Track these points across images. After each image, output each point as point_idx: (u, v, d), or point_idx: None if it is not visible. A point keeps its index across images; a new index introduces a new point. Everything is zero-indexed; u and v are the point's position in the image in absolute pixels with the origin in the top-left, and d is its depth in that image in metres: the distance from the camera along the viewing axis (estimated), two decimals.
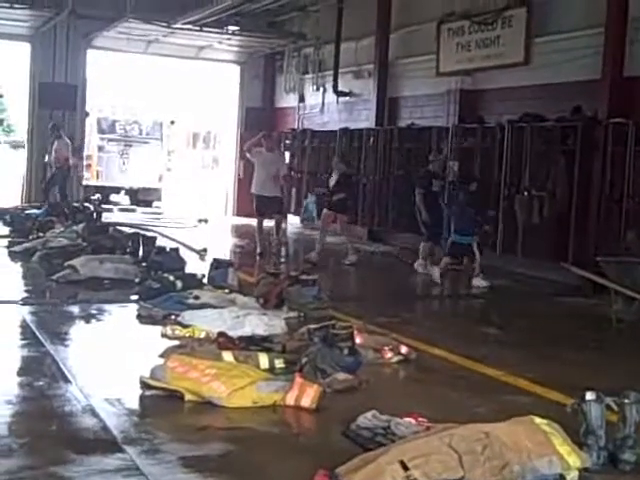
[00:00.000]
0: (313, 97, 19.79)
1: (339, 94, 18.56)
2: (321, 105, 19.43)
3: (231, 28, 18.66)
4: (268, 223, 13.18)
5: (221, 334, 6.55)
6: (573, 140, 11.49)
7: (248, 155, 12.99)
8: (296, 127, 20.17)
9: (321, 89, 19.33)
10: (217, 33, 18.94)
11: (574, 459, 4.04)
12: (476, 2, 14.41)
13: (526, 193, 12.09)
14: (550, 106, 12.37)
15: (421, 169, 12.80)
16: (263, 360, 5.87)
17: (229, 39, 19.66)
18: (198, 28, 18.19)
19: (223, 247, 14.58)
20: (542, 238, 11.63)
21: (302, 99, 20.26)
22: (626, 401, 4.37)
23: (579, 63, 12.18)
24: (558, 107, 12.16)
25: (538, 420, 4.27)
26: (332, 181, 13.23)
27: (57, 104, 19.36)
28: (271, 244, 12.44)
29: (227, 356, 5.87)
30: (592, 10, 12.15)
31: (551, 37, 12.95)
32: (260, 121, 21.35)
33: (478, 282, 10.81)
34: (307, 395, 5.20)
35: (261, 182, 12.67)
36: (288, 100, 20.97)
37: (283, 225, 12.93)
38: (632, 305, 8.24)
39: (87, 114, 20.89)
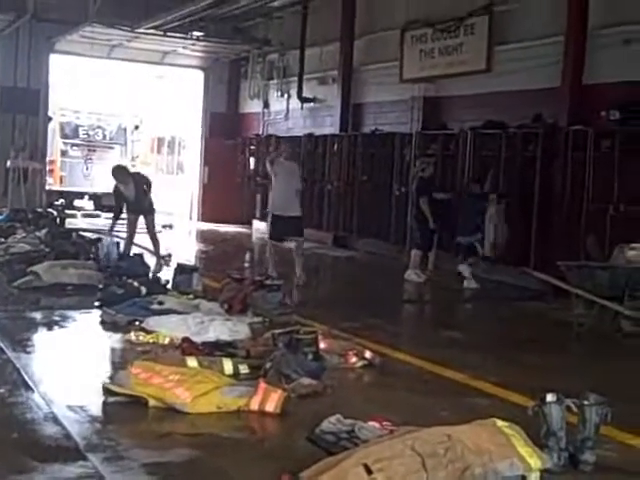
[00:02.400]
0: (278, 103, 19.81)
1: (303, 100, 18.60)
2: (286, 111, 19.45)
3: (195, 33, 18.64)
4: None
5: (185, 340, 6.53)
6: (534, 147, 11.64)
7: (269, 168, 11.20)
8: (261, 133, 20.17)
9: (285, 95, 19.36)
10: (181, 38, 18.90)
11: (535, 460, 4.08)
12: (439, 10, 14.54)
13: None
14: (512, 113, 12.52)
15: (415, 178, 12.20)
16: (227, 365, 5.85)
17: (193, 44, 19.63)
18: (162, 33, 18.14)
19: (188, 252, 14.52)
20: (506, 243, 11.75)
21: (267, 105, 20.28)
22: (586, 403, 4.43)
23: (540, 71, 12.33)
24: (520, 114, 12.31)
25: (500, 422, 4.30)
26: None
27: (20, 108, 19.14)
28: (297, 277, 10.54)
29: (191, 362, 5.84)
30: (553, 19, 12.32)
31: (513, 45, 13.11)
32: (225, 126, 21.34)
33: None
34: (271, 400, 5.20)
35: (283, 199, 10.71)
36: (253, 106, 20.96)
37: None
38: (592, 309, 8.34)
39: (50, 119, 20.68)
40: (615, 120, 10.81)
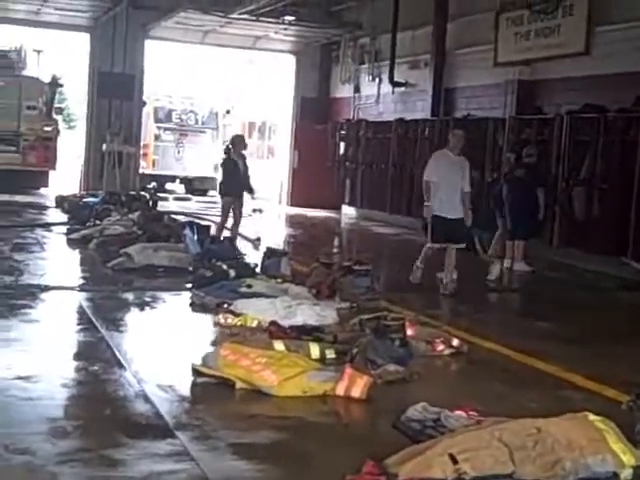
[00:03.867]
0: (369, 87, 19.75)
1: (395, 84, 18.48)
2: (377, 96, 19.38)
3: (287, 18, 18.72)
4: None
5: (273, 323, 6.60)
6: (635, 131, 11.26)
7: (433, 167, 9.44)
8: (351, 117, 20.15)
9: (377, 79, 19.29)
10: (273, 23, 19.02)
11: (628, 457, 3.96)
12: None
13: (585, 185, 11.94)
14: (611, 97, 12.17)
15: (520, 170, 11.68)
16: (314, 350, 5.89)
17: (285, 29, 19.75)
18: (254, 18, 18.29)
19: (277, 236, 14.66)
20: (602, 232, 11.44)
21: (357, 89, 20.23)
22: None
23: None
24: (620, 98, 11.96)
25: (592, 417, 4.20)
26: None
27: (116, 93, 19.67)
28: (443, 284, 9.26)
29: (278, 345, 5.90)
30: None
31: (612, 26, 12.71)
32: (315, 111, 21.41)
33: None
34: (357, 385, 5.21)
35: (447, 200, 9.25)
36: (343, 90, 20.96)
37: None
38: None
39: (144, 103, 21.17)
40: None
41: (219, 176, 12.34)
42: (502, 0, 14.92)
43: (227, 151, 11.87)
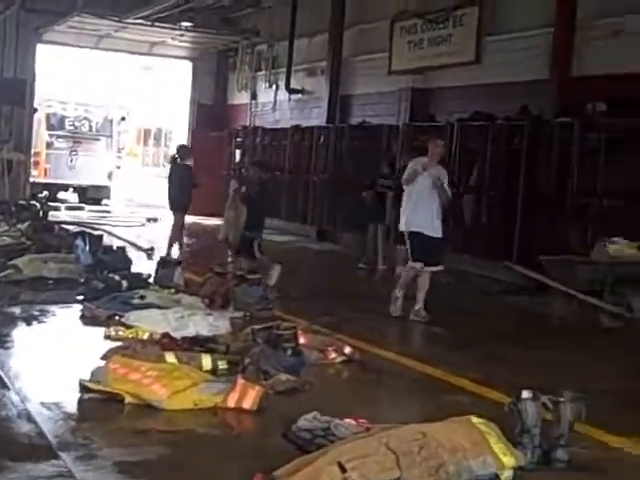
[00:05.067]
0: (265, 94, 19.81)
1: (291, 91, 18.60)
2: (273, 103, 19.45)
3: (184, 24, 18.59)
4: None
5: (164, 335, 6.52)
6: (520, 139, 11.64)
7: (410, 174, 8.38)
8: (248, 125, 20.13)
9: (274, 86, 19.37)
10: (170, 29, 18.86)
11: (508, 458, 4.10)
12: (429, 0, 14.63)
13: (474, 193, 12.27)
14: (500, 105, 12.58)
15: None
16: (206, 361, 5.84)
17: (182, 35, 19.60)
18: (150, 23, 18.07)
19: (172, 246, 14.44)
20: (490, 238, 11.78)
21: (254, 96, 20.27)
22: (561, 400, 4.44)
23: (529, 63, 12.42)
24: (507, 106, 12.37)
25: (475, 419, 4.32)
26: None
27: (5, 99, 19.07)
28: (414, 310, 8.39)
29: (170, 357, 5.83)
30: (542, 10, 12.39)
31: (502, 36, 13.20)
32: (212, 118, 21.31)
33: None
34: (249, 397, 5.19)
35: (424, 215, 8.28)
36: (240, 97, 20.95)
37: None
38: (572, 304, 8.40)
39: (35, 110, 20.59)
40: (602, 113, 10.87)
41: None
42: (397, 9, 15.23)
43: (173, 161, 11.71)
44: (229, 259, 10.76)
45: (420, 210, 8.24)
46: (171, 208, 12.18)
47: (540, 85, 12.06)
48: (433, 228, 8.26)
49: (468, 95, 13.53)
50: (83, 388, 5.26)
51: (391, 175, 12.08)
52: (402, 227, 8.43)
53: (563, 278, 8.34)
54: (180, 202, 11.84)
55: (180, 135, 22.29)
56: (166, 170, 11.86)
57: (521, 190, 11.32)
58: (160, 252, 11.55)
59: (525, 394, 4.43)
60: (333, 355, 6.38)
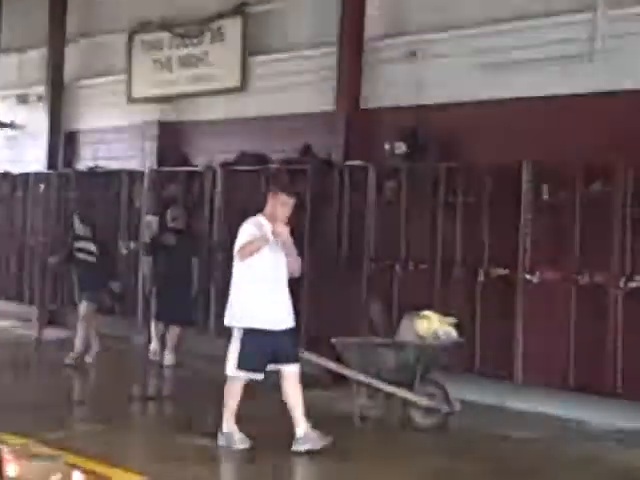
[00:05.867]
0: None
1: None
2: None
3: None
4: None
5: None
6: (303, 186, 11.67)
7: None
8: None
9: None
10: None
11: None
12: (178, 8, 14.77)
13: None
14: (274, 144, 12.88)
15: (169, 236, 12.33)
16: None
17: None
18: None
19: None
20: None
21: None
22: None
23: (310, 90, 12.82)
24: (284, 146, 12.67)
25: None
26: None
27: None
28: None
29: None
30: (324, 23, 12.82)
31: (273, 56, 13.51)
32: None
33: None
34: None
35: (270, 298, 7.84)
36: None
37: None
38: (378, 397, 8.60)
39: None
40: (401, 155, 11.27)
41: None
42: (137, 18, 15.35)
43: None
44: None
45: (267, 292, 7.78)
46: None
47: (326, 119, 12.40)
48: (284, 315, 7.89)
49: (233, 131, 13.70)
50: None
51: (92, 235, 12.12)
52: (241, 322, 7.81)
53: (363, 365, 8.47)
54: None
55: None
56: None
57: (306, 254, 11.12)
58: None
59: None
60: None
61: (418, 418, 8.63)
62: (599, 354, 9.20)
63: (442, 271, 10.44)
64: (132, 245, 13.94)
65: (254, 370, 7.75)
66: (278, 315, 7.82)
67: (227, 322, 7.89)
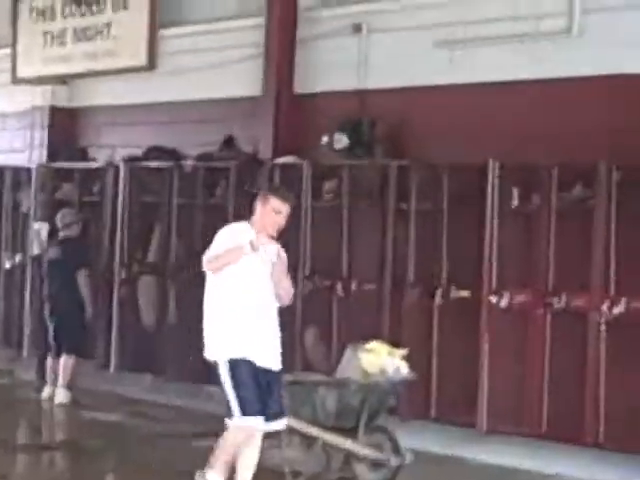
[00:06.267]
0: None
1: None
2: None
3: None
4: None
5: None
6: (224, 189, 11.70)
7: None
8: None
9: None
10: None
11: None
12: None
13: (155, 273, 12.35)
14: (189, 137, 12.77)
15: (54, 249, 12.08)
16: None
17: None
18: None
19: None
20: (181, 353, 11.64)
21: None
22: None
23: (231, 71, 12.63)
24: (202, 138, 12.55)
25: None
26: None
27: None
28: None
29: None
30: None
31: (188, 28, 13.34)
32: None
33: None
34: None
35: (255, 319, 7.58)
36: None
37: None
38: (313, 449, 8.31)
39: None
40: (342, 150, 11.11)
41: None
42: None
43: None
44: None
45: (255, 319, 7.49)
46: None
47: (251, 105, 12.36)
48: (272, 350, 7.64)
49: (139, 120, 13.62)
50: None
51: None
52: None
53: (295, 408, 8.21)
54: None
55: None
56: None
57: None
58: None
59: None
60: None
61: (363, 473, 8.36)
62: (578, 396, 9.12)
63: (392, 292, 10.33)
64: (17, 258, 13.74)
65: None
66: (262, 341, 7.49)
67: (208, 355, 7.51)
